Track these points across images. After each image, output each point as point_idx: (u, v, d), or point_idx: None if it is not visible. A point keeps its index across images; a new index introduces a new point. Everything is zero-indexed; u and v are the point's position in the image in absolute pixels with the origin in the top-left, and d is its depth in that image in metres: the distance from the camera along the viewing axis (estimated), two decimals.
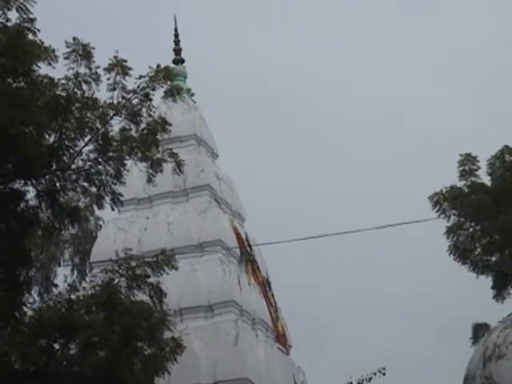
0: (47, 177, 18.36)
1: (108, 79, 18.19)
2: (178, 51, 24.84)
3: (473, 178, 21.94)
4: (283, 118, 52.60)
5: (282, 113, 53.07)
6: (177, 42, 24.92)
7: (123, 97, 18.34)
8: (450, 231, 21.95)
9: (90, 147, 18.37)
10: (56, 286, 28.73)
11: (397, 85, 55.78)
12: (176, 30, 25.04)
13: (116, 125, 18.43)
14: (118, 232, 22.90)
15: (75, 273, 31.23)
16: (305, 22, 57.30)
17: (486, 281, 21.85)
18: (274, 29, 57.57)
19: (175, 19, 25.17)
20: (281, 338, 23.74)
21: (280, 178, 49.29)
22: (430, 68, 56.46)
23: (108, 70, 18.17)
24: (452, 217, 21.89)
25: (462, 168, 21.95)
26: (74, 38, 17.89)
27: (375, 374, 34.49)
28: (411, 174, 46.06)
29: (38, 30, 17.49)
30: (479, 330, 20.56)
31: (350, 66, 55.61)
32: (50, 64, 17.88)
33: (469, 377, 12.78)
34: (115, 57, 18.15)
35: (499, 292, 21.67)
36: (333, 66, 55.29)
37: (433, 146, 46.02)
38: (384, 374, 34.49)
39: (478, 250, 21.88)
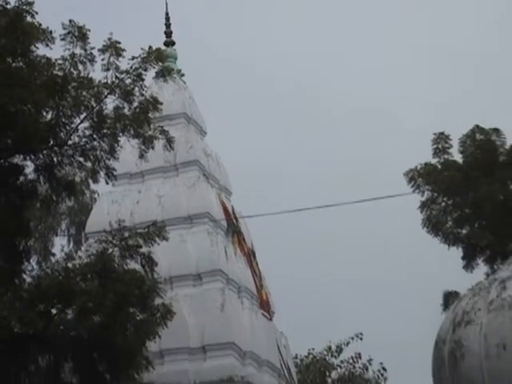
0: (45, 152, 18.38)
1: (102, 60, 18.22)
2: (168, 34, 24.78)
3: (445, 156, 22.02)
4: (268, 99, 52.85)
5: (268, 94, 53.37)
6: (168, 25, 24.86)
7: (117, 77, 18.34)
8: (423, 205, 22.06)
9: (86, 124, 18.40)
10: (53, 255, 28.96)
11: (382, 76, 56.33)
12: (167, 13, 25.01)
13: (110, 103, 18.47)
14: (111, 205, 22.88)
15: (71, 243, 31.25)
16: (295, 8, 57.07)
17: (457, 252, 22.01)
18: (263, 15, 57.42)
19: (166, 3, 25.14)
20: (265, 305, 23.80)
21: (266, 156, 49.57)
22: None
23: (102, 51, 18.18)
24: (426, 192, 21.97)
25: (435, 146, 22.06)
26: (70, 21, 17.92)
27: (353, 338, 34.99)
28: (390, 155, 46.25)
29: (36, 13, 17.55)
30: (449, 298, 20.70)
31: (338, 55, 55.89)
32: (47, 45, 17.94)
33: (439, 341, 12.83)
34: (109, 38, 18.20)
35: (468, 262, 21.82)
36: (319, 54, 55.49)
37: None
38: (361, 339, 34.98)
39: (450, 223, 22.03)
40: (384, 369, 34.78)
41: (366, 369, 35.11)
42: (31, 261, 20.94)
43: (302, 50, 56.34)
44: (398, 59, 54.78)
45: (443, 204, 21.97)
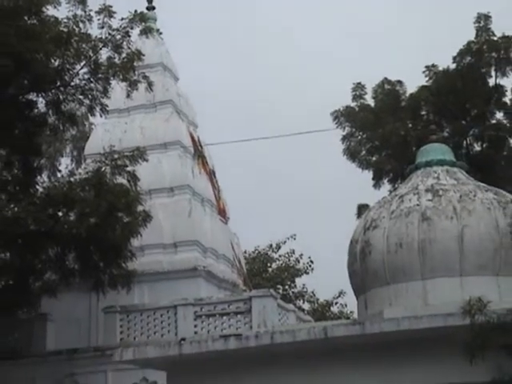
0: (53, 91, 18.26)
1: (98, 20, 18.08)
2: (150, 1, 24.53)
3: (361, 100, 22.11)
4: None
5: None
6: None
7: (109, 33, 18.19)
8: (344, 138, 22.16)
9: (85, 70, 18.29)
10: (59, 171, 28.88)
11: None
12: None
13: (104, 54, 18.33)
14: (104, 133, 22.69)
15: (73, 162, 31.17)
16: None
17: (368, 174, 22.23)
18: None
19: None
20: (222, 213, 23.88)
21: (227, 93, 49.38)
22: None
23: (98, 12, 18.03)
24: (346, 128, 22.08)
25: (354, 93, 22.10)
26: None
27: (288, 238, 35.38)
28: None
29: None
30: (362, 209, 20.94)
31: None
32: (55, 7, 17.82)
33: (353, 241, 12.95)
34: (104, 3, 18.01)
35: (377, 182, 22.03)
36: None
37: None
38: (295, 239, 35.38)
39: (364, 152, 22.16)
40: (311, 261, 35.18)
41: (298, 261, 35.50)
42: (42, 175, 20.85)
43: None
44: None
45: (359, 137, 22.10)
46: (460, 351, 9.37)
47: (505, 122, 21.33)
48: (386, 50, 49.73)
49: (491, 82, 21.04)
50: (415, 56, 26.86)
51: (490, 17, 20.61)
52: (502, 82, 21.05)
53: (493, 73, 20.93)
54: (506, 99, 21.24)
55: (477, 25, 20.71)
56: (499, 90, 21.13)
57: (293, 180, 45.61)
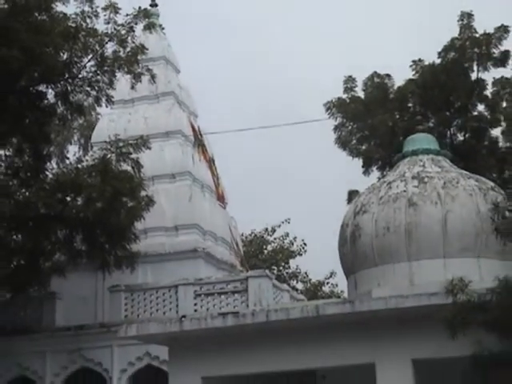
0: (62, 83, 18.23)
1: (104, 16, 18.08)
2: None
3: (352, 93, 22.03)
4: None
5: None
6: None
7: (115, 28, 18.19)
8: (336, 128, 22.05)
9: (92, 63, 18.25)
10: (68, 158, 28.84)
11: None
12: None
13: (110, 48, 18.32)
14: (110, 123, 22.69)
15: (81, 150, 31.16)
16: None
17: (358, 162, 22.19)
18: None
19: None
20: (220, 198, 23.90)
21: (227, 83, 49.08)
22: None
23: (104, 9, 18.00)
24: (338, 118, 22.01)
25: (345, 85, 21.98)
26: None
27: (283, 222, 35.43)
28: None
29: None
30: (352, 195, 20.89)
31: None
32: (63, 3, 17.78)
33: (344, 224, 12.94)
34: (109, 0, 17.95)
35: (366, 170, 21.90)
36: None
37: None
38: (289, 223, 35.43)
39: (354, 141, 22.07)
40: (305, 244, 35.25)
41: (292, 244, 35.55)
42: (51, 162, 20.83)
43: None
44: None
45: (349, 128, 21.99)
46: (443, 328, 9.41)
47: (486, 113, 21.34)
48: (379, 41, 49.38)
49: (473, 76, 20.99)
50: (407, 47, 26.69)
51: (472, 15, 20.60)
52: (484, 76, 21.03)
53: (475, 67, 20.89)
54: (487, 92, 21.24)
55: (460, 22, 20.72)
56: (481, 83, 21.11)
57: (288, 168, 45.59)
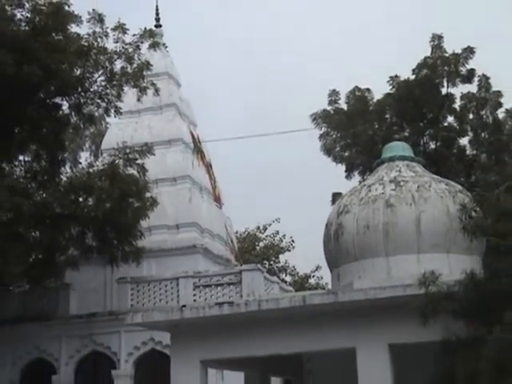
0: (75, 95, 18.25)
1: (113, 35, 18.11)
2: (157, 20, 24.51)
3: (336, 105, 22.05)
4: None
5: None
6: (157, 14, 24.63)
7: (123, 47, 18.19)
8: (321, 137, 22.07)
9: (102, 78, 18.27)
10: (80, 163, 28.60)
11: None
12: (157, 8, 24.82)
13: (118, 64, 18.35)
14: (118, 131, 22.70)
15: (92, 156, 31.04)
16: None
17: (342, 167, 22.18)
18: None
19: (156, 1, 24.89)
20: (217, 199, 23.91)
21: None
22: None
23: (114, 29, 18.01)
24: (323, 128, 22.02)
25: (330, 98, 22.01)
26: (93, 10, 17.67)
27: (273, 221, 35.43)
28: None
29: (71, 4, 17.32)
30: (336, 197, 20.88)
31: None
32: (77, 25, 17.75)
33: (328, 223, 12.88)
34: (118, 21, 17.99)
35: (348, 174, 21.90)
36: None
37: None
38: (279, 222, 35.42)
39: (338, 148, 22.06)
40: (293, 241, 35.25)
41: (281, 241, 35.55)
42: (66, 167, 20.84)
43: None
44: None
45: (333, 136, 22.02)
46: (416, 316, 9.44)
47: (455, 124, 21.46)
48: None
49: (443, 91, 21.13)
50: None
51: (442, 37, 20.83)
52: (452, 91, 21.22)
53: (445, 83, 21.02)
54: (456, 106, 21.38)
55: (432, 43, 20.89)
56: (450, 98, 21.22)
57: (280, 174, 45.58)
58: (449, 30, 21.17)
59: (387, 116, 21.70)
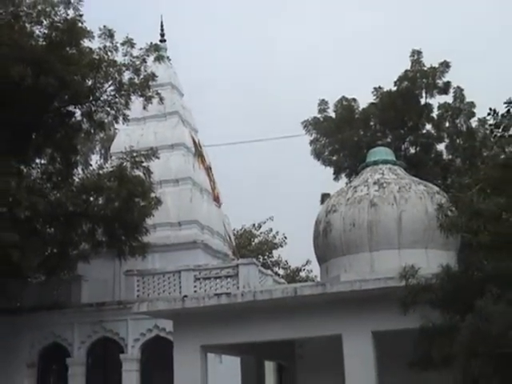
0: (87, 104, 18.23)
1: (122, 49, 18.06)
2: (162, 35, 24.48)
3: (325, 113, 22.13)
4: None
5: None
6: (162, 29, 24.59)
7: (131, 60, 18.18)
8: (311, 142, 22.15)
9: (111, 88, 18.24)
10: (91, 165, 28.61)
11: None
12: (162, 23, 24.76)
13: (126, 76, 18.33)
14: (126, 137, 22.66)
15: (102, 159, 31.04)
16: None
17: (330, 170, 22.23)
18: None
19: (161, 18, 24.89)
20: (216, 199, 23.86)
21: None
22: None
23: (122, 44, 17.99)
24: (313, 134, 22.09)
25: (319, 107, 22.12)
26: (104, 26, 17.67)
27: (267, 219, 35.47)
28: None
29: (84, 21, 17.33)
30: (324, 197, 20.97)
31: None
32: (89, 40, 17.72)
33: (318, 221, 12.87)
34: (127, 37, 18.00)
35: (336, 176, 22.03)
36: None
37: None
38: (273, 220, 35.46)
39: (326, 153, 22.15)
40: (285, 237, 35.29)
41: (275, 237, 35.58)
42: (78, 168, 20.83)
43: None
44: None
45: (323, 142, 22.12)
46: (397, 305, 9.48)
47: (432, 131, 21.58)
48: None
49: (422, 101, 21.27)
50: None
51: (421, 52, 21.03)
52: (431, 101, 21.37)
53: (423, 94, 21.18)
54: (434, 114, 21.51)
55: (411, 58, 21.04)
56: (428, 107, 21.37)
57: (273, 175, 45.54)
58: (429, 44, 21.34)
59: (371, 123, 21.81)
